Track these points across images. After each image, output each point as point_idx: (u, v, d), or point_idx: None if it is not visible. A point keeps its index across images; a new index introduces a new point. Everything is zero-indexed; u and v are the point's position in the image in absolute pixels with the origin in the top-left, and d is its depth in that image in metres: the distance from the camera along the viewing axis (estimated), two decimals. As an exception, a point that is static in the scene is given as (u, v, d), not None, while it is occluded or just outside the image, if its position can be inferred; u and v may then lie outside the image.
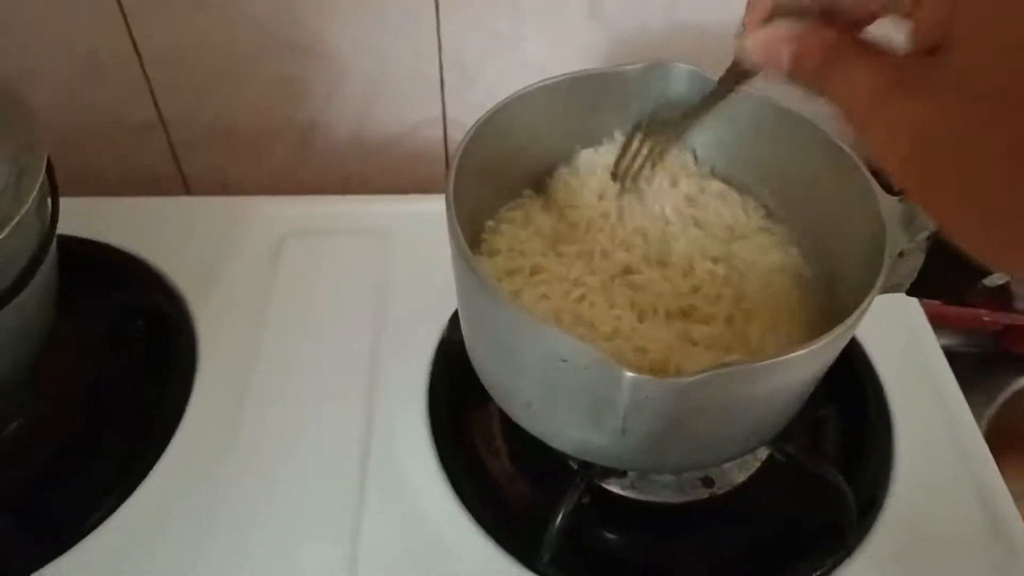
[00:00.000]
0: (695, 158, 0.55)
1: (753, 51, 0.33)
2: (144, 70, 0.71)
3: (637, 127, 0.53)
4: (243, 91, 0.72)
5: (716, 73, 0.51)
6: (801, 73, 0.31)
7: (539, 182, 0.55)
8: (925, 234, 0.41)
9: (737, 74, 0.43)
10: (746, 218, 0.53)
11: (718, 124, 0.53)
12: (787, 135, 0.50)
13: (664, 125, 0.52)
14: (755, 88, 0.50)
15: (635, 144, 0.53)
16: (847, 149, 0.46)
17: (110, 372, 0.58)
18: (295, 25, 0.68)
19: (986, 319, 0.67)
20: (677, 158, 0.55)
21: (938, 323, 0.64)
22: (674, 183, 0.54)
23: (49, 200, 0.50)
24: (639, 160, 0.52)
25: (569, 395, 0.41)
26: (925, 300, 0.63)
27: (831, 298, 0.48)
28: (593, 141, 0.55)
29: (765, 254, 0.51)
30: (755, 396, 0.41)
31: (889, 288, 0.43)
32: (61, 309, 0.53)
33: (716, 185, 0.54)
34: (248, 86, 0.72)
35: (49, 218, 0.50)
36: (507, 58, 0.71)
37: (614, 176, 0.53)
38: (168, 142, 0.77)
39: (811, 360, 0.40)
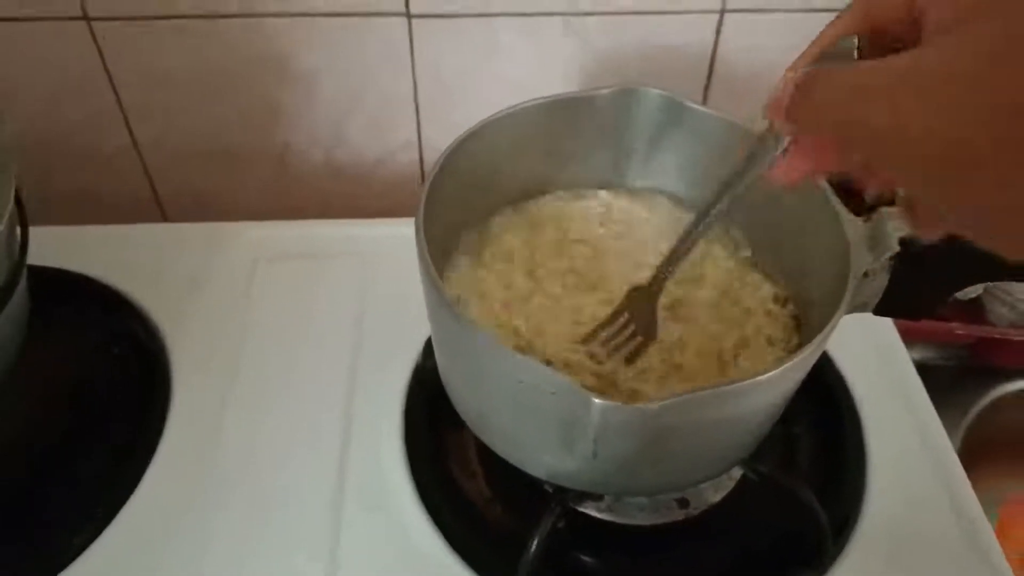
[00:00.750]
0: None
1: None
2: (116, 94, 0.71)
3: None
4: (217, 113, 0.72)
5: (688, 97, 0.51)
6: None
7: (515, 203, 0.56)
8: (889, 254, 0.42)
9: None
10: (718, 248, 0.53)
11: (685, 145, 0.53)
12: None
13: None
14: (721, 110, 0.51)
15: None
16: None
17: (84, 402, 0.58)
18: (266, 47, 0.68)
19: (959, 332, 0.68)
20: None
21: (912, 337, 0.64)
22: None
23: (18, 229, 0.50)
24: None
25: (539, 421, 0.41)
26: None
27: (803, 318, 0.48)
28: (567, 163, 0.55)
29: (739, 282, 0.51)
30: (725, 419, 0.41)
31: (855, 308, 0.43)
32: (33, 340, 0.53)
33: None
34: (222, 108, 0.72)
35: (18, 248, 0.49)
36: (485, 79, 0.71)
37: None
38: (143, 166, 0.76)
39: (779, 382, 0.41)
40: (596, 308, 0.50)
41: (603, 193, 0.57)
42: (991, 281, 0.60)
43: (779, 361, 0.38)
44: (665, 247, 0.47)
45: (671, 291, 0.50)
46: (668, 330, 0.48)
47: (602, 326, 0.47)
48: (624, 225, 0.55)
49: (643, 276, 0.48)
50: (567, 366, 0.47)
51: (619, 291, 0.49)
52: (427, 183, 0.46)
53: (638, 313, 0.47)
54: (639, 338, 0.47)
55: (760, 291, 0.51)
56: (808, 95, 0.29)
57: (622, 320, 0.47)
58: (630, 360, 0.46)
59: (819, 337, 0.39)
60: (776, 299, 0.51)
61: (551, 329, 0.49)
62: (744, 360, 0.48)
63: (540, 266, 0.53)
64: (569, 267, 0.53)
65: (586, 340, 0.47)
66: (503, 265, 0.53)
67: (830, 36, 0.34)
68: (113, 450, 0.55)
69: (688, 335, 0.49)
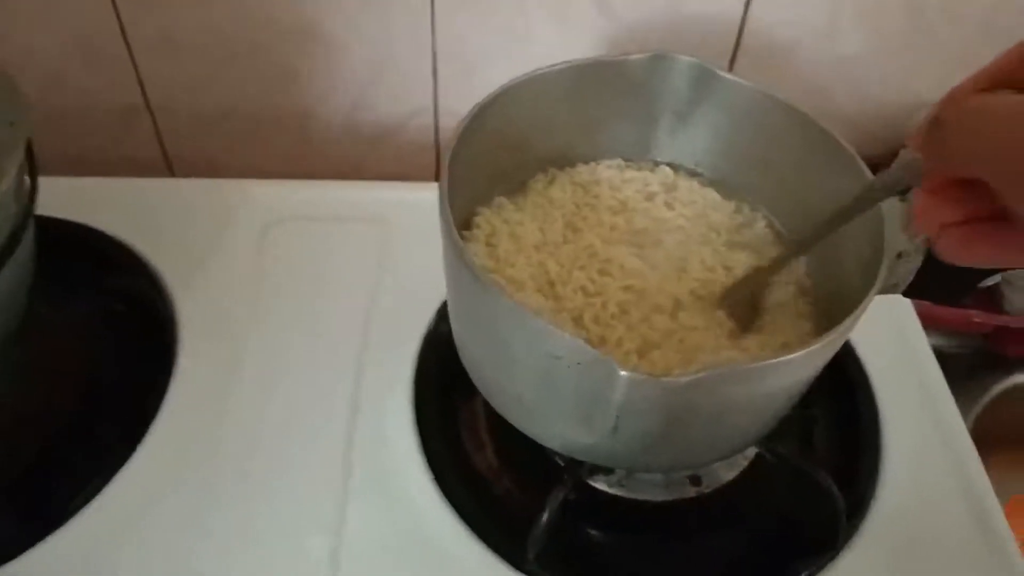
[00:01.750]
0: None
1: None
2: (132, 55, 0.69)
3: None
4: (234, 77, 0.71)
5: (718, 65, 0.50)
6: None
7: (540, 170, 0.55)
8: (924, 236, 0.41)
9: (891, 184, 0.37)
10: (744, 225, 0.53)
11: (717, 120, 0.52)
12: (787, 132, 0.49)
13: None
14: (753, 81, 0.50)
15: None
16: (847, 146, 0.46)
17: (88, 357, 0.57)
18: (289, 12, 0.66)
19: (976, 320, 0.67)
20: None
21: (928, 324, 0.63)
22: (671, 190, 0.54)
23: (27, 179, 0.48)
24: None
25: (561, 392, 0.40)
26: (916, 300, 0.62)
27: (830, 299, 0.47)
28: (595, 130, 0.54)
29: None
30: (749, 397, 0.40)
31: (887, 289, 0.42)
32: (39, 292, 0.52)
33: (712, 195, 0.54)
34: (240, 72, 0.70)
35: (27, 197, 0.48)
36: (506, 48, 0.69)
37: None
38: (155, 128, 0.75)
39: (807, 362, 0.40)
40: (629, 260, 0.49)
41: (665, 168, 0.56)
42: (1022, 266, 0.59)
43: (807, 343, 0.37)
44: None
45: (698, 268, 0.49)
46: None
47: None
48: (686, 206, 0.54)
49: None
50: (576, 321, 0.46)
51: (662, 261, 0.49)
52: (453, 142, 0.44)
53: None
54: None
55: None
56: (940, 126, 0.27)
57: None
58: None
59: (851, 317, 0.38)
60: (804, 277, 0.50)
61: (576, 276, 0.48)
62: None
63: (583, 220, 0.52)
64: (612, 224, 0.52)
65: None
66: (544, 211, 0.52)
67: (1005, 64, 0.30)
68: (116, 411, 0.54)
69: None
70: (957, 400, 0.58)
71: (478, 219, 0.51)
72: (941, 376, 0.58)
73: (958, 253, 0.31)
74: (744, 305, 0.48)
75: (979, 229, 0.30)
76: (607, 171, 0.55)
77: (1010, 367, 0.72)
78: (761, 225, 0.53)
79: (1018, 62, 0.29)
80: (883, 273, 0.40)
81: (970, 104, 0.28)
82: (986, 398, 0.71)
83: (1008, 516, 0.70)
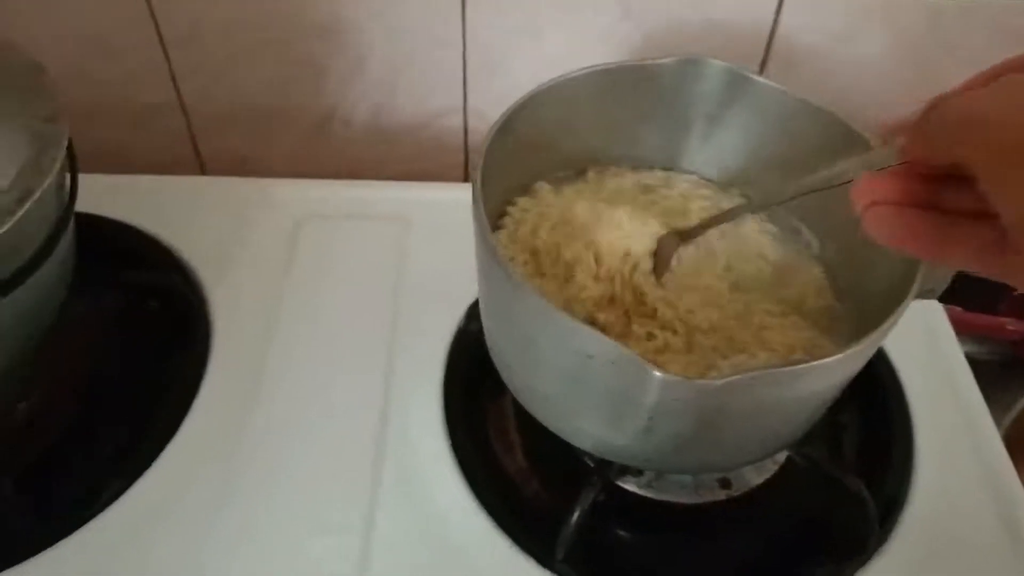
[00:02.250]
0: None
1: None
2: (164, 50, 0.70)
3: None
4: (263, 73, 0.71)
5: (750, 69, 0.50)
6: None
7: (569, 172, 0.55)
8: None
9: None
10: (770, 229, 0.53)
11: (748, 125, 0.52)
12: (814, 132, 0.49)
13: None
14: (777, 80, 0.50)
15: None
16: (883, 149, 0.45)
17: (123, 351, 0.58)
18: (319, 8, 0.67)
19: (1010, 328, 0.66)
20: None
21: (960, 330, 0.63)
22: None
23: (68, 175, 0.49)
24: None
25: (592, 392, 0.40)
26: (948, 306, 0.62)
27: (862, 305, 0.47)
28: (624, 134, 0.54)
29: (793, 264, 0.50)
30: (782, 401, 0.40)
31: (922, 294, 0.42)
32: (74, 287, 0.53)
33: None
34: (268, 68, 0.71)
35: (68, 194, 0.49)
36: (531, 49, 0.70)
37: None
38: (186, 123, 0.76)
39: (841, 367, 0.40)
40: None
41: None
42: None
43: (832, 346, 0.37)
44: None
45: (731, 266, 0.49)
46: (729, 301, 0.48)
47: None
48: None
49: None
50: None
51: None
52: (485, 145, 0.45)
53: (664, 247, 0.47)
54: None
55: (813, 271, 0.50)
56: (931, 116, 0.28)
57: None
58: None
59: (886, 322, 0.38)
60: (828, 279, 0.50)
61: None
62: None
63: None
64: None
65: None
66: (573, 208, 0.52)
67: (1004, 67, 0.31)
68: (148, 405, 0.54)
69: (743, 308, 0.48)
70: (990, 407, 0.57)
71: (506, 219, 0.51)
72: (974, 382, 0.57)
73: (880, 231, 0.31)
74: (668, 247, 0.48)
75: (908, 213, 0.30)
76: (639, 177, 0.55)
77: (1042, 375, 0.71)
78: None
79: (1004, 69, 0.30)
80: (919, 278, 0.39)
81: (960, 92, 0.28)
82: (1019, 406, 0.70)
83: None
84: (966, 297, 0.44)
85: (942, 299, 0.43)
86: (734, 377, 0.35)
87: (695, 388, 0.36)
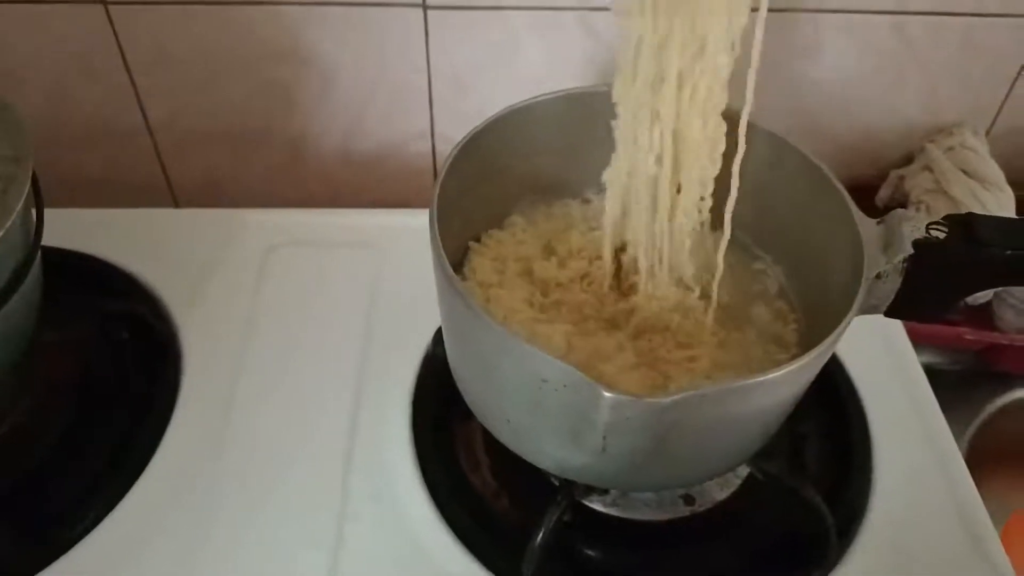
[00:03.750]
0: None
1: None
2: (131, 75, 0.71)
3: None
4: (232, 97, 0.73)
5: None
6: None
7: (531, 196, 0.56)
8: (902, 256, 0.42)
9: None
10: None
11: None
12: (769, 158, 0.50)
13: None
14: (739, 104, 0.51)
15: None
16: (827, 171, 0.47)
17: (94, 384, 0.58)
18: (284, 34, 0.68)
19: (968, 337, 0.68)
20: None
21: (921, 341, 0.64)
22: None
23: (34, 212, 0.50)
24: None
25: (549, 414, 0.41)
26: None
27: (814, 320, 0.48)
28: (586, 159, 0.55)
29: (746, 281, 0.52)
30: (734, 416, 0.41)
31: (867, 309, 0.43)
32: (45, 321, 0.53)
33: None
34: (237, 93, 0.72)
35: (33, 230, 0.50)
36: (499, 72, 0.71)
37: None
38: (155, 149, 0.77)
39: (789, 380, 0.41)
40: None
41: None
42: (1003, 286, 0.60)
43: (788, 360, 0.38)
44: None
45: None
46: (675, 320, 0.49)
47: None
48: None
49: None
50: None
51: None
52: (443, 171, 0.46)
53: None
54: None
55: (767, 288, 0.52)
56: None
57: None
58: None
59: (831, 336, 0.39)
60: (781, 297, 0.51)
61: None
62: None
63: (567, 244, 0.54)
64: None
65: None
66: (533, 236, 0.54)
67: None
68: (120, 433, 0.55)
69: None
70: (954, 417, 0.58)
71: (471, 250, 0.53)
72: (931, 393, 0.58)
73: None
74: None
75: None
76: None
77: (1006, 383, 0.72)
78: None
79: None
80: (861, 294, 0.41)
81: None
82: (983, 414, 0.71)
83: (1010, 531, 0.71)
84: (911, 311, 0.45)
85: (888, 313, 0.44)
86: (683, 394, 0.36)
87: (644, 406, 0.37)
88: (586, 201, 0.56)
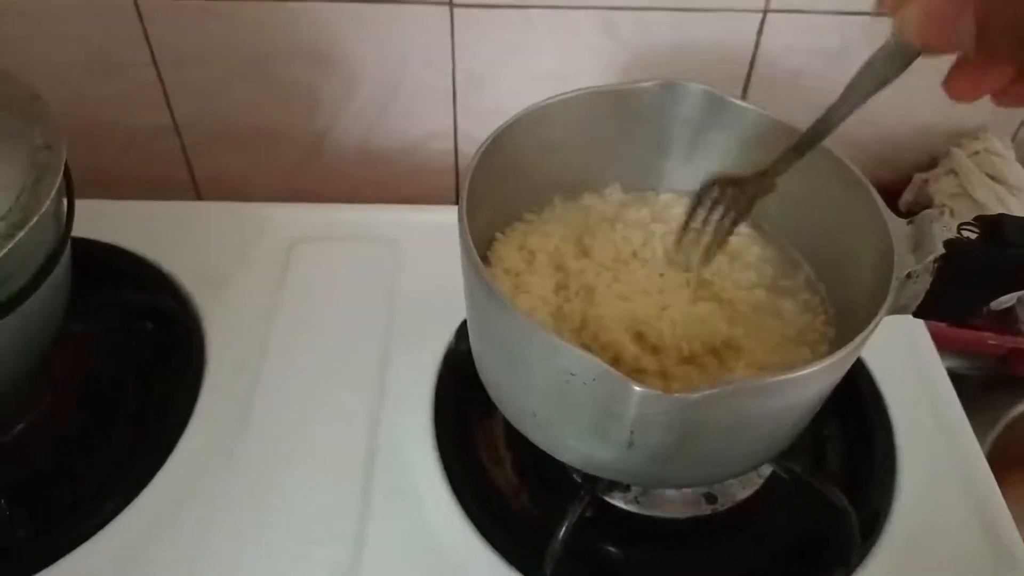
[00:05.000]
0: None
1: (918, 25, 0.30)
2: (159, 72, 0.71)
3: (706, 190, 0.48)
4: (256, 96, 0.73)
5: (730, 93, 0.51)
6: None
7: (554, 192, 0.56)
8: (932, 256, 0.42)
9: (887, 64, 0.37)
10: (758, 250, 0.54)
11: (729, 146, 0.53)
12: (802, 160, 0.50)
13: (735, 185, 0.47)
14: (763, 107, 0.51)
15: (702, 213, 0.48)
16: (856, 171, 0.47)
17: (118, 374, 0.59)
18: (309, 32, 0.69)
19: (991, 342, 0.68)
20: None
21: (943, 345, 0.64)
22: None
23: (65, 201, 0.50)
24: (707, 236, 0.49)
25: (576, 408, 0.41)
26: (930, 322, 0.63)
27: (843, 320, 0.48)
28: (608, 156, 0.55)
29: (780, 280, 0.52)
30: (761, 414, 0.41)
31: (896, 310, 0.43)
32: (70, 311, 0.54)
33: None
34: (261, 91, 0.73)
35: (64, 219, 0.50)
36: (520, 71, 0.71)
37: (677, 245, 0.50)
38: (180, 145, 0.77)
39: (817, 379, 0.41)
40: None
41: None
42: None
43: (818, 359, 0.38)
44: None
45: (709, 279, 0.50)
46: (711, 321, 0.49)
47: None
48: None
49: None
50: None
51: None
52: (471, 167, 0.46)
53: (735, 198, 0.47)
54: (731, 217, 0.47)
55: (800, 287, 0.52)
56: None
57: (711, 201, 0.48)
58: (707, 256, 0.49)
59: (860, 336, 0.39)
60: (815, 295, 0.51)
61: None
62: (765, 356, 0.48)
63: (594, 239, 0.54)
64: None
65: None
66: (560, 232, 0.54)
67: None
68: (142, 425, 0.55)
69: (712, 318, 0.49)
70: (974, 422, 0.58)
71: (496, 242, 0.53)
72: (955, 396, 0.58)
73: (916, 31, 0.30)
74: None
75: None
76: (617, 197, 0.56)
77: (1024, 388, 0.72)
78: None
79: None
80: (892, 294, 0.41)
81: None
82: (1004, 419, 0.71)
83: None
84: (941, 312, 0.44)
85: (917, 314, 0.44)
86: (711, 391, 0.36)
87: (674, 402, 0.37)
88: (606, 197, 0.56)
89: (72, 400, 0.57)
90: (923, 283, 0.43)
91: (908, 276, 0.42)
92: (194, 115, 0.75)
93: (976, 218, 0.43)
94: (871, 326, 0.39)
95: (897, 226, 0.44)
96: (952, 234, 0.42)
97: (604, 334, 0.47)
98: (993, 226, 0.42)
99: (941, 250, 0.42)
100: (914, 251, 0.43)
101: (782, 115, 0.50)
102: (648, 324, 0.48)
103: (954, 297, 0.44)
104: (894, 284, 0.41)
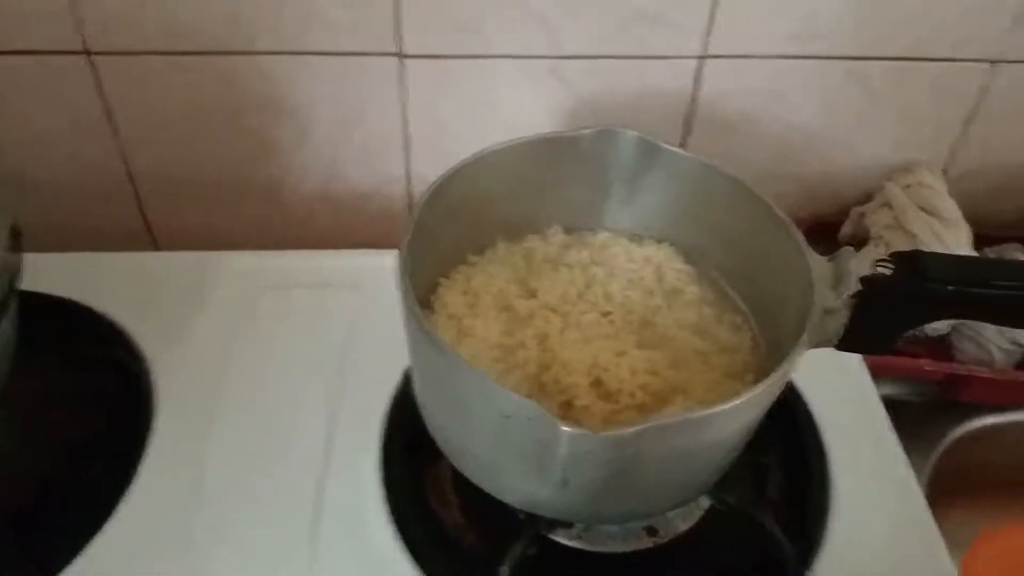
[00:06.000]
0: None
1: None
2: (114, 127, 0.72)
3: None
4: (212, 147, 0.74)
5: (666, 139, 0.54)
6: None
7: (499, 235, 0.57)
8: (851, 292, 0.44)
9: None
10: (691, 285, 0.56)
11: (664, 187, 0.55)
12: (729, 199, 0.52)
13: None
14: (697, 152, 0.54)
15: None
16: (779, 211, 0.49)
17: (68, 425, 0.59)
18: (262, 81, 0.70)
19: (927, 368, 0.70)
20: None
21: (882, 372, 0.66)
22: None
23: (11, 256, 0.51)
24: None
25: (512, 449, 0.42)
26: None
27: (775, 355, 0.50)
28: (551, 201, 0.57)
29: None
30: (691, 448, 0.42)
31: (820, 343, 0.45)
32: (20, 365, 0.54)
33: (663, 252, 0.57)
34: (217, 142, 0.74)
35: (11, 275, 0.51)
36: (471, 118, 0.73)
37: None
38: (137, 198, 0.78)
39: (743, 412, 0.42)
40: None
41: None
42: (948, 319, 0.62)
43: (743, 391, 0.40)
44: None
45: (652, 320, 0.52)
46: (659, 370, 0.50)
47: None
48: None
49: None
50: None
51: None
52: (414, 215, 0.47)
53: None
54: None
55: (736, 327, 0.54)
56: None
57: None
58: None
59: (781, 368, 0.41)
60: (748, 332, 0.53)
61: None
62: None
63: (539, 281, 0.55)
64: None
65: None
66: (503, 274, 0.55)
67: None
68: (90, 478, 0.55)
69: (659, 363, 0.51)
70: (915, 447, 0.60)
71: (440, 287, 0.54)
72: (888, 424, 0.60)
73: None
74: None
75: None
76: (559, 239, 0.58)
77: (968, 412, 0.74)
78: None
79: None
80: (810, 328, 0.42)
81: None
82: (945, 443, 0.73)
83: (975, 553, 0.72)
84: (859, 345, 0.46)
85: (838, 347, 0.46)
86: (638, 427, 0.38)
87: (602, 440, 0.38)
88: (548, 239, 0.58)
89: (20, 455, 0.57)
90: (842, 317, 0.45)
91: (827, 311, 0.44)
92: (151, 169, 0.75)
93: (892, 254, 0.45)
94: (790, 358, 0.41)
95: (818, 263, 0.46)
96: (868, 271, 0.44)
97: (566, 377, 0.49)
98: (910, 261, 0.44)
99: (858, 286, 0.44)
100: (834, 287, 0.45)
101: (717, 158, 0.52)
102: (608, 371, 0.49)
103: (873, 330, 0.46)
104: (812, 320, 0.43)
